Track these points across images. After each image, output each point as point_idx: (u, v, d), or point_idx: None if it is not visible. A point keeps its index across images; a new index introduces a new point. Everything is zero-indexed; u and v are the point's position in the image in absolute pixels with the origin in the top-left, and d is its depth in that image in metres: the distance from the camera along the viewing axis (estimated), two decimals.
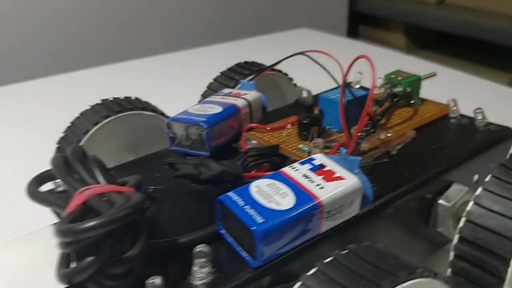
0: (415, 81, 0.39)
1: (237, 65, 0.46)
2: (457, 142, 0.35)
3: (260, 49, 0.89)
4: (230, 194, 0.26)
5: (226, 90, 0.39)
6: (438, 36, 1.54)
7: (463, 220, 0.28)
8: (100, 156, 0.37)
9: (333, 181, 0.26)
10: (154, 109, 0.40)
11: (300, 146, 0.33)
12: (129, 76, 0.79)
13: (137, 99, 0.41)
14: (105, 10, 1.15)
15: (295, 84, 0.48)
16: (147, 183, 0.31)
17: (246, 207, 0.25)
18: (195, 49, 0.89)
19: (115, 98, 0.40)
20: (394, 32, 1.66)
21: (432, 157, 0.33)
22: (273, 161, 0.33)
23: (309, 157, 0.29)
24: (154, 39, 1.20)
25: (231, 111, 0.36)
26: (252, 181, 0.27)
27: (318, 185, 0.26)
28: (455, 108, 0.37)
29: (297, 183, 0.26)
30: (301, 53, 0.43)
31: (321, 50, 0.42)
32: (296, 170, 0.27)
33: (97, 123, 0.37)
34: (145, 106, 0.40)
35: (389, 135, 0.35)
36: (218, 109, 0.36)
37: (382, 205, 0.29)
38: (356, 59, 0.28)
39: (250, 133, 0.36)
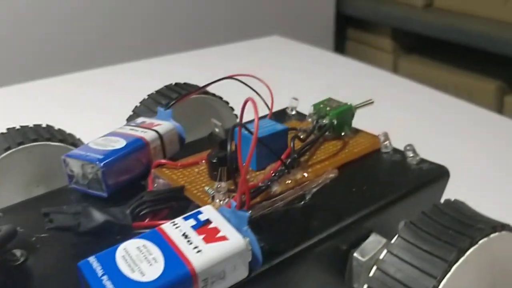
0: (346, 112, 0.36)
1: (167, 87, 0.43)
2: (383, 184, 0.31)
3: (228, 57, 0.86)
4: (91, 259, 0.22)
5: (140, 119, 0.36)
6: (426, 41, 1.51)
7: (373, 269, 0.25)
8: (7, 190, 0.34)
9: (214, 243, 0.23)
10: (63, 139, 0.36)
11: (206, 188, 0.30)
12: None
13: (47, 126, 0.38)
14: None
15: (231, 108, 0.44)
16: (33, 229, 0.28)
17: (103, 277, 0.21)
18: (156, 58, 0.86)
19: (22, 127, 0.37)
20: (381, 35, 1.62)
21: (351, 202, 0.30)
22: (172, 206, 0.29)
23: (196, 210, 0.25)
24: (112, 48, 1.16)
25: (136, 146, 0.32)
26: (142, 233, 0.24)
27: (195, 247, 0.23)
28: (387, 142, 0.34)
29: (172, 245, 0.23)
30: (230, 77, 0.40)
31: (250, 74, 0.39)
32: (177, 227, 0.24)
33: None
34: (53, 136, 0.36)
35: (306, 175, 0.31)
36: (121, 143, 0.32)
37: (280, 264, 0.25)
38: (245, 103, 0.25)
39: (160, 169, 0.33)
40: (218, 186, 0.29)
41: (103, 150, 0.31)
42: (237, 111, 0.44)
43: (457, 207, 0.26)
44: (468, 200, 0.28)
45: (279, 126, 0.33)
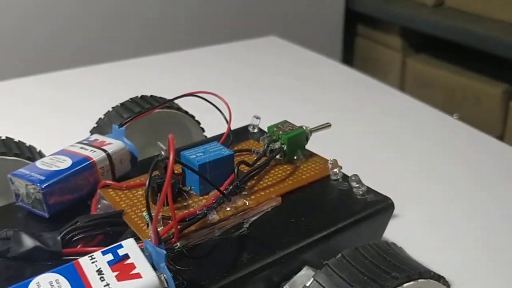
0: (298, 136, 0.35)
1: (132, 100, 0.43)
2: (323, 215, 0.31)
3: (223, 57, 0.86)
4: None
5: (94, 137, 0.36)
6: (435, 41, 1.48)
7: None
8: None
9: (126, 281, 0.23)
10: (19, 153, 0.37)
11: (144, 214, 0.30)
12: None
13: (7, 139, 0.38)
14: None
15: (198, 122, 0.44)
16: None
17: None
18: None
19: None
20: (390, 33, 1.60)
21: (287, 234, 0.29)
22: (107, 232, 0.29)
23: (118, 243, 0.25)
24: (106, 46, 1.14)
25: (81, 167, 0.33)
26: (74, 259, 0.24)
27: (106, 285, 0.23)
28: (336, 169, 0.34)
29: (85, 281, 0.23)
30: (191, 94, 0.40)
31: (213, 91, 0.39)
32: (93, 262, 0.24)
33: None
34: (9, 149, 0.37)
35: (247, 202, 0.31)
36: (67, 163, 0.32)
37: None
38: (169, 139, 0.25)
39: (105, 190, 0.33)
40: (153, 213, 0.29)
41: (46, 170, 0.32)
42: (204, 125, 0.44)
43: (384, 249, 0.25)
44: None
45: (225, 152, 0.32)
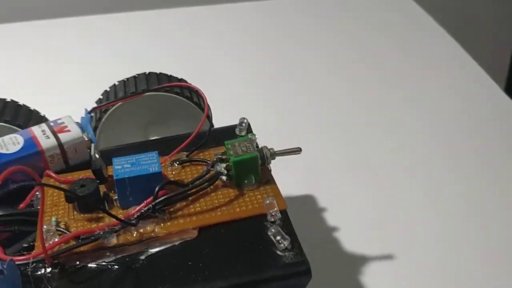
0: (250, 161, 0.31)
1: (136, 77, 0.42)
2: (226, 265, 0.27)
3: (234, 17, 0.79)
4: None
5: (62, 119, 0.36)
6: None
7: None
8: None
9: None
10: (10, 120, 0.38)
11: (53, 219, 0.30)
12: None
13: (10, 102, 0.40)
14: None
15: (198, 105, 0.41)
16: None
17: None
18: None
19: None
20: None
21: (176, 278, 0.27)
22: (14, 231, 0.30)
23: None
24: None
25: (26, 154, 0.33)
26: None
27: None
28: (273, 210, 0.29)
29: None
30: (163, 86, 0.37)
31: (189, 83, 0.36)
32: None
33: None
34: (2, 114, 0.38)
35: (156, 230, 0.29)
36: (16, 147, 0.33)
37: None
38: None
39: (48, 180, 0.33)
40: (48, 223, 0.28)
41: None
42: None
43: None
44: None
45: (153, 168, 0.30)
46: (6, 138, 0.34)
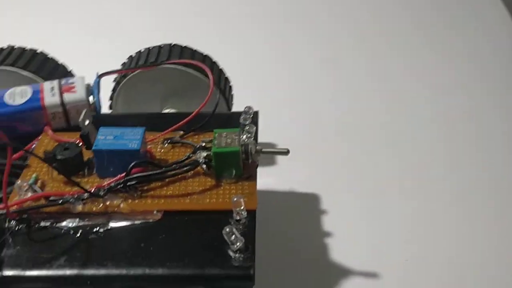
0: (231, 154, 0.30)
1: (160, 47, 0.42)
2: (182, 255, 0.27)
3: None
4: None
5: (73, 79, 0.36)
6: None
7: None
8: None
9: None
10: (33, 71, 0.40)
11: (19, 181, 0.30)
12: None
13: (39, 53, 0.42)
14: None
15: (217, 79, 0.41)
16: None
17: None
18: None
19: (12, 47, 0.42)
20: None
21: (120, 257, 0.27)
22: None
23: None
24: None
25: (28, 107, 0.34)
26: None
27: None
28: (241, 208, 0.28)
29: None
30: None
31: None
32: None
33: None
34: (29, 63, 0.40)
35: (121, 206, 0.29)
36: (22, 100, 0.35)
37: None
38: None
39: (45, 135, 0.34)
40: (18, 181, 0.29)
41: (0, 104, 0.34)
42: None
43: None
44: None
45: (132, 145, 0.30)
46: (19, 89, 0.35)
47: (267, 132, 0.46)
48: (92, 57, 0.57)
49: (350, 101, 0.55)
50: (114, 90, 0.41)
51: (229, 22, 0.69)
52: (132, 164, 0.29)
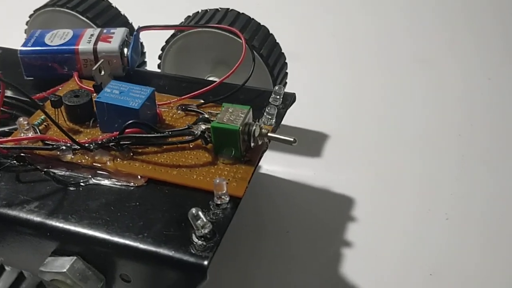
0: (228, 132, 0.28)
1: (216, 10, 0.40)
2: (145, 228, 0.25)
3: None
4: None
5: (113, 30, 0.36)
6: None
7: None
8: None
9: None
10: (90, 17, 0.40)
11: (21, 119, 0.30)
12: None
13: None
14: None
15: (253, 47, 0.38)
16: None
17: None
18: None
19: None
20: None
21: (92, 214, 0.26)
22: (11, 115, 0.32)
23: None
24: None
25: (63, 49, 0.35)
26: None
27: None
28: (223, 193, 0.26)
29: None
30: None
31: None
32: None
33: None
34: (89, 8, 0.40)
35: (108, 163, 0.28)
36: (59, 42, 0.35)
37: None
38: None
39: (73, 80, 0.34)
40: (20, 120, 0.29)
41: (39, 42, 0.35)
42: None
43: None
44: None
45: (133, 104, 0.29)
46: (61, 31, 0.36)
47: (311, 121, 0.43)
48: (159, 14, 0.56)
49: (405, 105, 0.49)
50: (163, 49, 0.40)
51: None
52: (128, 123, 0.28)
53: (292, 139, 0.28)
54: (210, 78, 0.39)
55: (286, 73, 0.40)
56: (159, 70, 0.41)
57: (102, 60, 0.32)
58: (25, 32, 0.44)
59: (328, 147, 0.44)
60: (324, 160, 0.43)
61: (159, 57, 0.40)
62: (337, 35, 0.59)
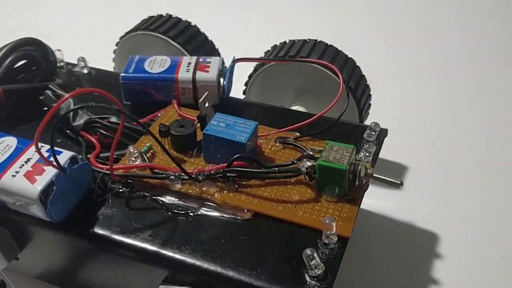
0: (335, 171, 0.28)
1: (304, 41, 0.41)
2: (256, 264, 0.26)
3: None
4: None
5: (209, 59, 0.37)
6: None
7: None
8: None
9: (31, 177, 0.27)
10: (181, 43, 0.41)
11: (131, 147, 0.31)
12: None
13: (191, 26, 0.43)
14: None
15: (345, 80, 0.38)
16: None
17: None
18: None
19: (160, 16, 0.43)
20: None
21: (204, 248, 0.27)
22: (108, 136, 0.33)
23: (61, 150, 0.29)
24: None
25: (163, 78, 0.36)
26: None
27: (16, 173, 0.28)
28: (330, 232, 0.27)
29: (12, 160, 0.28)
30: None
31: None
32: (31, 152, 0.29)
33: None
34: (177, 33, 0.42)
35: (215, 195, 0.29)
36: (159, 69, 0.36)
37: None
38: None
39: (172, 107, 0.36)
40: (131, 149, 0.31)
41: (139, 68, 0.36)
42: None
43: None
44: None
45: (240, 137, 0.30)
46: (159, 58, 0.37)
47: (398, 153, 0.43)
48: (243, 39, 0.57)
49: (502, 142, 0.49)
50: (250, 76, 0.40)
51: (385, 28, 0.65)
52: (235, 156, 0.29)
53: (399, 182, 0.28)
54: (295, 107, 0.40)
55: (370, 104, 0.41)
56: (243, 96, 0.42)
57: (207, 92, 0.33)
58: (114, 53, 0.45)
59: (410, 179, 0.44)
60: (406, 192, 0.43)
61: (245, 84, 0.41)
62: (413, 63, 0.60)
